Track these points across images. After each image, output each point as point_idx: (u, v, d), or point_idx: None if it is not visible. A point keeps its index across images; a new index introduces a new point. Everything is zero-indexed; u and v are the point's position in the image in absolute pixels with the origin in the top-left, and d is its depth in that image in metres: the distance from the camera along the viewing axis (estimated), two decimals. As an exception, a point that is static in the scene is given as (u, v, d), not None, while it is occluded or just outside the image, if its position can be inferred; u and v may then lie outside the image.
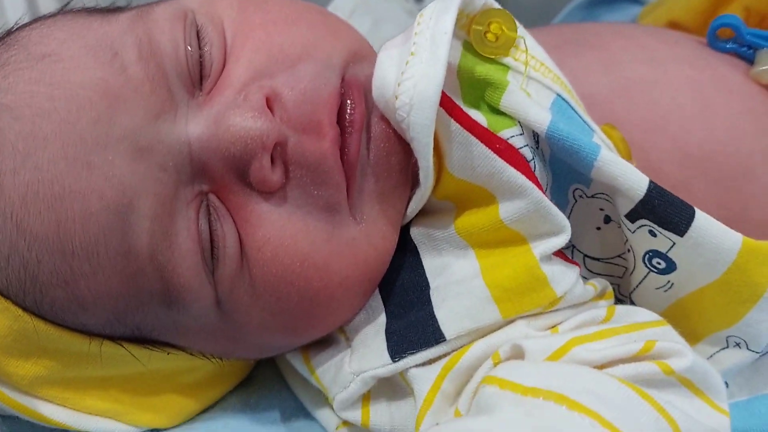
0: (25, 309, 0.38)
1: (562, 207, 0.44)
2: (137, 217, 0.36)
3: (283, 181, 0.37)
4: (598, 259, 0.45)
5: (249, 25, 0.41)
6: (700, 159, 0.46)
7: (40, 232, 0.35)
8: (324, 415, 0.45)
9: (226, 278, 0.38)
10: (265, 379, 0.49)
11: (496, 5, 0.41)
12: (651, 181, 0.39)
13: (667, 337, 0.39)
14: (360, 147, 0.39)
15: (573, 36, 0.51)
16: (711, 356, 0.43)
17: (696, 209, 0.39)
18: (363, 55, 0.42)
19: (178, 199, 0.37)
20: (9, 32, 0.41)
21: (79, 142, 0.35)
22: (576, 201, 0.44)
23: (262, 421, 0.46)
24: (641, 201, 0.38)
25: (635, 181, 0.38)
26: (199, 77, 0.39)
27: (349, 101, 0.39)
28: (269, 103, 0.37)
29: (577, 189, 0.44)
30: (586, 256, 0.45)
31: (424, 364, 0.39)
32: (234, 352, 0.44)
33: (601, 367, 0.36)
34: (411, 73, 0.37)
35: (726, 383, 0.45)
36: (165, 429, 0.45)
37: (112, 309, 0.38)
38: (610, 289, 0.43)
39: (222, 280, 0.38)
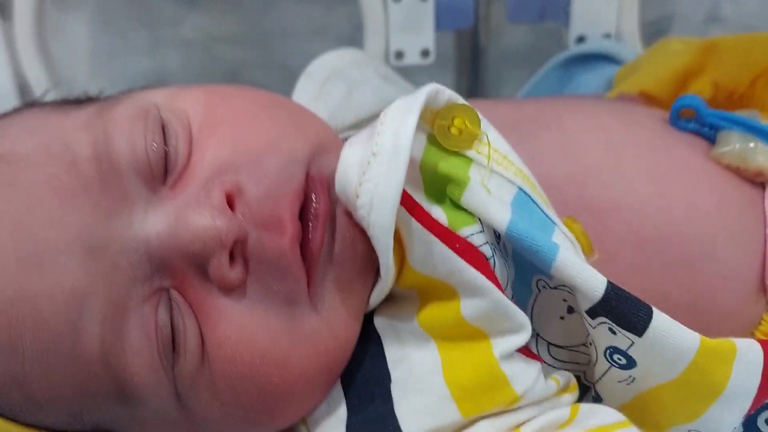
0: None
1: (525, 297, 0.44)
2: (87, 321, 0.36)
3: (243, 276, 0.38)
4: (562, 347, 0.46)
5: (214, 119, 0.41)
6: (656, 242, 0.46)
7: None
8: None
9: (186, 373, 0.38)
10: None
11: (461, 100, 0.42)
12: (609, 282, 0.39)
13: None
14: (324, 238, 0.39)
15: (533, 115, 0.52)
16: None
17: (654, 309, 0.39)
18: (327, 147, 0.43)
19: (132, 297, 0.37)
20: None
21: (31, 243, 0.36)
22: (540, 291, 0.45)
23: None
24: (599, 302, 0.39)
25: (593, 282, 0.39)
26: (163, 171, 0.39)
27: (313, 195, 0.40)
28: (230, 200, 0.38)
29: (540, 280, 0.44)
30: (550, 344, 0.46)
31: None
32: None
33: None
34: (371, 175, 0.37)
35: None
36: None
37: (67, 409, 0.38)
38: (573, 381, 0.44)
39: (182, 375, 0.38)
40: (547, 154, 0.49)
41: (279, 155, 0.40)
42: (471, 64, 1.08)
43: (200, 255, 0.37)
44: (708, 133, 0.52)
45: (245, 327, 0.38)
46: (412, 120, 0.39)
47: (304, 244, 0.39)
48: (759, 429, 0.45)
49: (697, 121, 0.52)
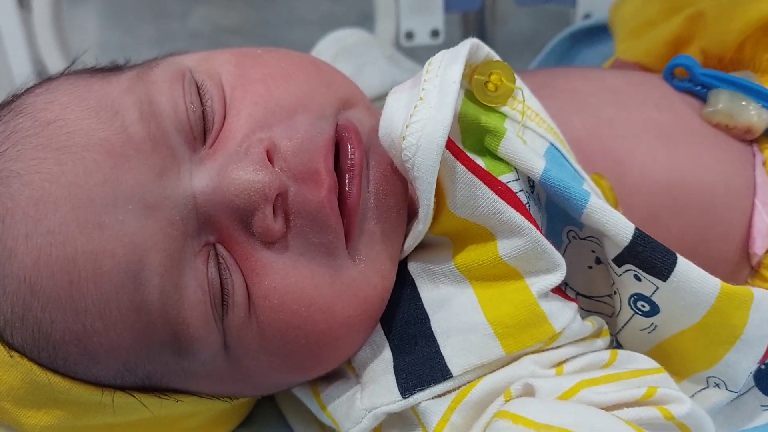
0: (39, 364, 0.39)
1: (556, 247, 0.46)
2: (148, 273, 0.37)
3: (285, 230, 0.39)
4: (588, 297, 0.47)
5: (247, 79, 0.43)
6: (667, 187, 0.48)
7: (53, 293, 0.37)
8: None
9: (234, 325, 0.40)
10: (266, 417, 0.51)
11: (497, 57, 0.44)
12: (637, 229, 0.41)
13: (666, 384, 0.41)
14: (362, 191, 0.41)
15: (547, 81, 0.54)
16: (693, 395, 0.45)
17: (678, 256, 0.41)
18: (354, 102, 0.45)
19: (186, 251, 0.39)
20: (15, 96, 0.43)
21: (89, 203, 0.37)
22: (570, 242, 0.46)
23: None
24: (627, 247, 0.41)
25: (621, 228, 0.41)
26: (202, 132, 0.41)
27: (349, 146, 0.41)
28: (269, 155, 0.39)
29: (571, 230, 0.46)
30: (577, 293, 0.48)
31: (433, 397, 0.41)
32: (242, 392, 0.46)
33: (608, 409, 0.38)
34: (419, 117, 0.39)
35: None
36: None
37: (123, 361, 0.39)
38: (605, 327, 0.45)
39: (230, 327, 0.40)
40: (566, 111, 0.50)
41: (309, 111, 0.42)
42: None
43: (245, 209, 0.38)
44: (700, 92, 0.53)
45: (290, 277, 0.40)
46: (458, 67, 0.40)
47: (341, 197, 0.41)
48: (773, 383, 0.47)
49: (690, 80, 0.53)
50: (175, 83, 0.41)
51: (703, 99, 0.54)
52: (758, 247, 0.50)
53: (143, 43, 1.29)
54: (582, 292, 0.47)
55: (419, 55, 0.94)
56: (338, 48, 0.74)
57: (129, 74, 0.43)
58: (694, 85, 0.54)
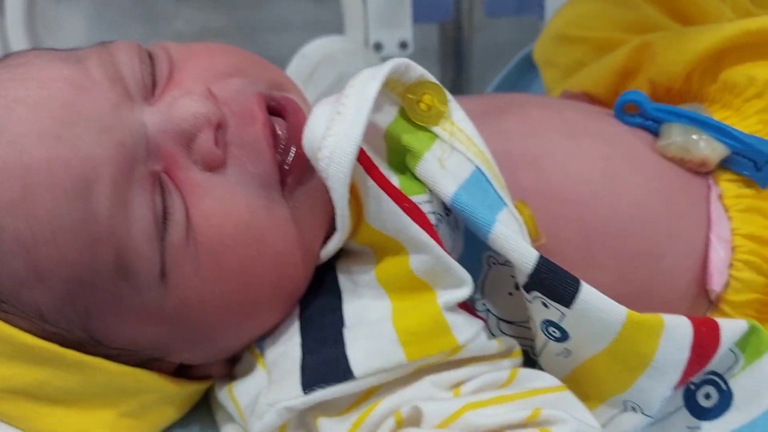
0: None
1: (477, 272, 0.47)
2: (99, 185, 0.40)
3: (225, 157, 0.43)
4: (510, 323, 0.49)
5: (191, 51, 0.48)
6: (603, 235, 0.49)
7: (7, 199, 0.39)
8: None
9: (173, 245, 0.42)
10: (198, 420, 0.52)
11: (432, 78, 0.46)
12: (540, 256, 0.42)
13: (562, 404, 0.42)
14: (303, 163, 0.43)
15: (500, 104, 0.55)
16: (612, 418, 0.46)
17: (582, 282, 0.42)
18: (287, 87, 0.49)
19: (134, 173, 0.42)
20: None
21: (50, 119, 0.40)
22: (490, 267, 0.48)
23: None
24: (530, 275, 0.42)
25: (524, 256, 0.42)
26: (152, 85, 0.45)
27: (290, 109, 0.46)
28: (210, 95, 0.44)
29: (490, 256, 0.47)
30: (499, 319, 0.49)
31: (333, 412, 0.43)
32: (171, 341, 0.46)
33: None
34: (335, 131, 0.41)
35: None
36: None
37: (67, 280, 0.41)
38: (517, 348, 0.47)
39: (170, 246, 0.42)
40: (510, 134, 0.52)
41: (243, 78, 0.46)
42: (454, 57, 1.10)
43: (190, 131, 0.42)
44: (652, 126, 0.54)
45: (227, 201, 0.42)
46: (375, 85, 0.42)
47: (277, 144, 0.44)
48: (699, 404, 0.47)
49: (641, 115, 0.54)
50: (131, 49, 0.46)
51: (655, 133, 0.54)
52: (715, 284, 0.50)
53: (129, 44, 1.31)
54: (504, 317, 0.48)
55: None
56: (323, 54, 0.76)
57: (92, 47, 0.48)
58: (644, 119, 0.54)
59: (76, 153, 0.40)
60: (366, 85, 0.42)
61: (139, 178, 0.42)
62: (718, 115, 0.55)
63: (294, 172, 0.44)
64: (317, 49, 0.75)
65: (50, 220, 0.39)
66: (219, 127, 0.43)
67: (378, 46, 0.90)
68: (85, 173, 0.40)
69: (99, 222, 0.40)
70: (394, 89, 0.45)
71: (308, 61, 0.73)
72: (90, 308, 0.43)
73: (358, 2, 0.87)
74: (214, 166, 0.43)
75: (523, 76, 0.84)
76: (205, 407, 0.53)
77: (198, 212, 0.42)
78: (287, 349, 0.45)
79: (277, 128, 0.45)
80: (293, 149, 0.44)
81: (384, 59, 0.90)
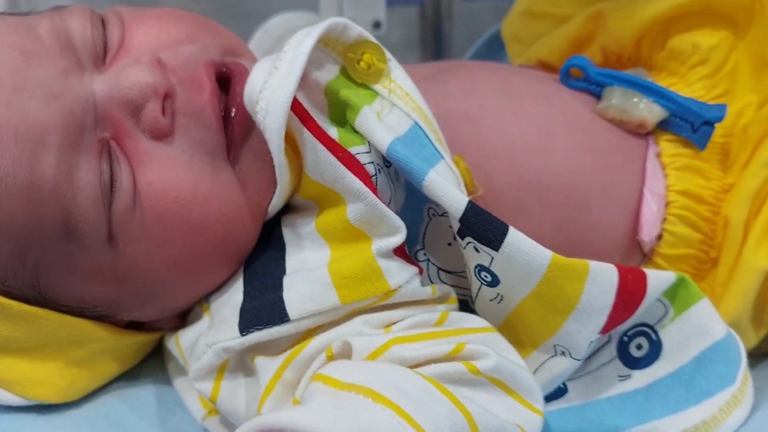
0: None
1: (418, 223, 0.49)
2: (45, 152, 0.42)
3: (172, 126, 0.44)
4: (449, 272, 0.50)
5: (143, 16, 0.49)
6: (537, 186, 0.51)
7: None
8: (194, 405, 0.49)
9: (120, 211, 0.44)
10: (150, 374, 0.54)
11: (371, 38, 0.48)
12: (470, 201, 0.44)
13: (488, 342, 0.44)
14: (247, 120, 0.45)
15: (446, 68, 0.57)
16: (543, 363, 0.48)
17: (510, 227, 0.44)
18: (240, 53, 0.50)
19: (82, 140, 0.43)
20: None
21: None
22: (430, 219, 0.49)
23: (140, 412, 0.50)
24: (461, 219, 0.44)
25: (455, 201, 0.44)
26: (103, 51, 0.47)
27: (237, 76, 0.46)
28: (159, 65, 0.45)
29: (430, 208, 0.49)
30: (439, 269, 0.50)
31: (269, 351, 0.44)
32: (120, 300, 0.48)
33: (415, 365, 0.41)
34: (270, 84, 0.43)
35: (566, 388, 0.50)
36: (54, 404, 0.49)
37: (17, 240, 0.43)
38: (453, 295, 0.48)
39: (116, 213, 0.44)
40: (452, 94, 0.53)
41: (195, 44, 0.47)
42: (434, 43, 1.11)
43: (137, 101, 0.43)
44: (596, 90, 0.55)
45: (173, 168, 0.44)
46: (309, 41, 0.44)
47: (225, 119, 0.45)
48: (631, 354, 0.49)
49: (585, 80, 0.56)
50: (84, 14, 0.47)
51: (598, 97, 0.56)
52: (646, 234, 0.52)
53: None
54: (444, 267, 0.50)
55: None
56: (285, 28, 0.77)
57: (46, 11, 0.49)
58: (589, 84, 0.56)
59: (24, 119, 0.41)
60: (301, 41, 0.44)
61: (87, 145, 0.43)
62: (665, 81, 0.57)
63: (236, 133, 0.46)
64: (280, 23, 0.76)
65: None
66: (167, 96, 0.44)
67: (351, 25, 0.91)
68: (31, 139, 0.41)
69: (44, 187, 0.42)
70: (334, 48, 0.47)
71: (270, 35, 0.74)
72: (39, 267, 0.44)
73: (333, -18, 0.88)
74: (161, 135, 0.44)
75: (492, 54, 0.86)
76: (157, 361, 0.55)
77: (144, 180, 0.44)
78: (229, 297, 0.47)
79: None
80: (233, 110, 0.46)
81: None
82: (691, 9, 0.57)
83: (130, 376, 0.53)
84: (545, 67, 0.65)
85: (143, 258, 0.45)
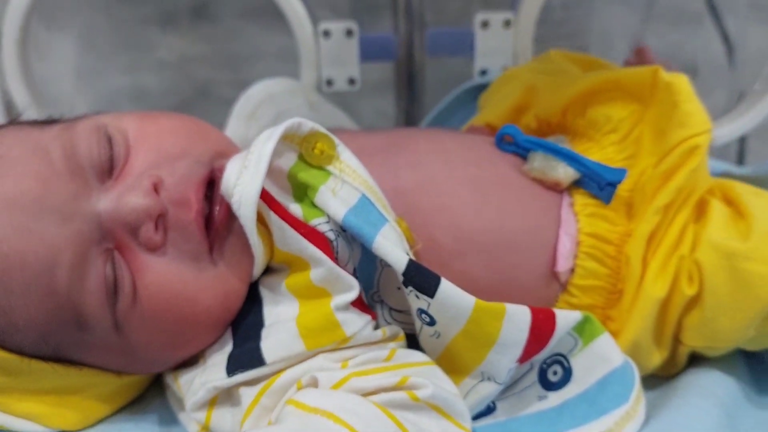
0: None
1: (373, 272, 0.59)
2: (60, 268, 0.51)
3: (163, 240, 0.53)
4: (399, 311, 0.60)
5: (145, 133, 0.57)
6: (470, 233, 0.61)
7: None
8: (188, 423, 0.59)
9: (122, 309, 0.53)
10: (153, 398, 0.64)
11: (322, 129, 0.58)
12: (410, 260, 0.54)
13: (427, 374, 0.53)
14: (227, 216, 0.55)
15: (397, 139, 0.67)
16: (473, 387, 0.57)
17: (442, 279, 0.53)
18: (228, 153, 0.59)
19: (90, 253, 0.52)
20: None
21: (22, 214, 0.51)
22: (382, 269, 0.59)
23: (144, 427, 0.60)
24: (403, 273, 0.54)
25: (398, 260, 0.54)
26: (110, 169, 0.55)
27: (217, 182, 0.56)
28: (155, 187, 0.53)
29: (381, 260, 0.58)
30: (391, 308, 0.60)
31: (251, 383, 0.54)
32: (128, 365, 0.59)
33: (368, 393, 0.51)
34: (241, 182, 0.53)
35: (495, 407, 0.60)
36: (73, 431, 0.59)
37: (39, 331, 0.53)
38: (401, 334, 0.58)
39: (120, 311, 0.53)
40: (402, 168, 0.64)
41: (189, 158, 0.56)
42: (408, 89, 1.21)
43: (134, 224, 0.52)
44: (523, 153, 0.66)
45: (164, 275, 0.53)
46: (270, 144, 0.54)
47: (210, 218, 0.55)
48: (548, 379, 0.59)
49: (515, 144, 0.67)
50: (92, 134, 0.56)
51: (525, 159, 0.66)
52: (561, 266, 0.62)
53: (116, 71, 1.42)
54: (395, 307, 0.60)
55: (358, 99, 1.06)
56: (265, 95, 0.87)
57: (59, 126, 0.58)
58: (517, 148, 0.67)
59: (42, 242, 0.50)
60: (264, 144, 0.54)
61: (94, 256, 0.52)
62: (584, 145, 0.69)
63: (219, 224, 0.54)
64: (260, 90, 0.85)
65: (22, 293, 0.51)
66: (160, 216, 0.52)
67: (330, 82, 1.02)
68: (49, 259, 0.50)
69: (60, 295, 0.52)
70: (293, 141, 0.57)
71: (251, 101, 0.84)
72: (60, 347, 0.55)
73: (312, 44, 0.99)
74: (154, 249, 0.52)
75: (460, 107, 0.98)
76: (158, 385, 0.65)
77: (141, 284, 0.52)
78: (221, 345, 0.57)
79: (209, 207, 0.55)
80: (217, 207, 0.55)
81: (334, 94, 1.03)
82: (605, 87, 0.69)
83: (136, 399, 0.64)
84: (491, 128, 0.77)
85: (144, 341, 0.55)
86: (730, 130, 0.95)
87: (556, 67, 0.81)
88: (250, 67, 1.43)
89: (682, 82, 0.65)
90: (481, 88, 0.95)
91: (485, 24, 1.00)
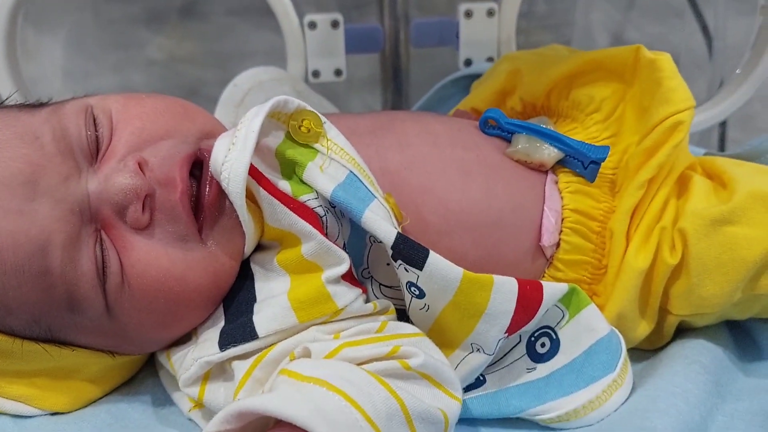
0: None
1: (363, 249, 0.60)
2: (52, 248, 0.52)
3: (150, 221, 0.54)
4: (388, 287, 0.61)
5: (129, 114, 0.58)
6: (458, 212, 0.62)
7: None
8: (181, 400, 0.60)
9: (112, 289, 0.54)
10: (145, 378, 0.64)
11: (308, 107, 0.58)
12: (398, 233, 0.55)
13: (418, 345, 0.54)
14: (216, 195, 0.55)
15: (384, 121, 0.68)
16: (463, 359, 0.58)
17: (430, 251, 0.54)
18: (214, 133, 0.59)
19: (81, 234, 0.53)
20: None
21: (13, 197, 0.51)
22: (372, 245, 0.60)
23: (137, 407, 0.61)
24: (392, 247, 0.55)
25: (387, 233, 0.55)
26: (96, 151, 0.56)
27: (205, 162, 0.56)
28: (141, 167, 0.54)
29: (371, 236, 0.59)
30: (381, 284, 0.61)
31: (243, 357, 0.54)
32: (121, 346, 0.59)
33: (361, 363, 0.51)
34: (230, 158, 0.54)
35: (485, 379, 0.61)
36: (65, 413, 0.60)
37: (31, 313, 0.54)
38: (392, 308, 0.59)
39: (109, 291, 0.54)
40: (389, 149, 0.65)
41: (173, 138, 0.57)
42: (394, 82, 1.23)
43: (122, 204, 0.52)
44: (506, 136, 0.68)
45: (150, 254, 0.53)
46: (258, 120, 0.55)
47: (199, 198, 0.55)
48: (537, 351, 0.60)
49: (499, 128, 0.68)
50: (80, 114, 0.56)
51: (509, 141, 0.68)
52: (546, 241, 0.63)
53: (105, 70, 1.42)
54: (385, 283, 0.61)
55: (346, 91, 1.06)
56: (253, 83, 0.88)
57: (48, 109, 0.58)
58: (501, 131, 0.68)
59: (35, 223, 0.51)
60: (252, 121, 0.55)
61: (84, 238, 0.52)
62: (567, 127, 0.70)
63: (209, 203, 0.55)
64: (248, 78, 0.87)
65: (14, 274, 0.52)
66: (147, 196, 0.52)
67: (316, 74, 1.03)
68: (41, 239, 0.51)
69: (52, 275, 0.52)
70: (279, 119, 0.58)
71: (240, 89, 0.85)
72: (52, 328, 0.56)
73: (299, 35, 1.00)
74: (141, 228, 0.53)
75: (438, 105, 0.99)
76: (150, 365, 0.65)
77: (128, 264, 0.54)
78: (213, 321, 0.58)
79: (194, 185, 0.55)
80: (207, 186, 0.55)
81: (321, 85, 1.04)
82: (588, 67, 0.70)
83: (129, 380, 0.64)
84: (476, 112, 0.78)
85: (136, 322, 0.56)
86: (711, 114, 0.97)
87: (555, 53, 0.82)
88: (239, 65, 1.42)
89: (665, 59, 0.66)
90: (467, 78, 0.97)
91: (468, 14, 1.01)
